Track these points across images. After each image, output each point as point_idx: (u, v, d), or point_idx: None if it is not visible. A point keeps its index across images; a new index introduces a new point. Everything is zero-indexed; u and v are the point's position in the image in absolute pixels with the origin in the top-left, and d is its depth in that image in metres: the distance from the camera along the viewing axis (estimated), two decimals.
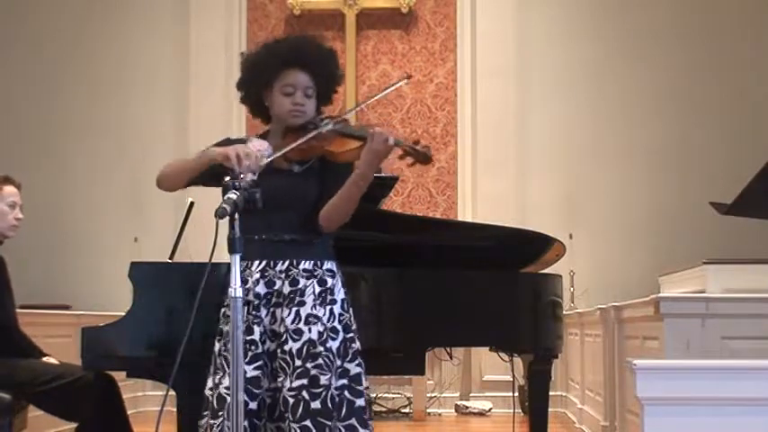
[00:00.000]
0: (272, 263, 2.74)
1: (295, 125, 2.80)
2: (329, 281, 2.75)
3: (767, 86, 8.16)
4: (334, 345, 2.68)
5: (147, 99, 8.55)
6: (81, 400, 3.80)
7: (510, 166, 8.21)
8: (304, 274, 2.73)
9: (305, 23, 8.37)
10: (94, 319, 5.87)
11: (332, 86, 2.91)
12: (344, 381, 2.70)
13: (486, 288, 3.97)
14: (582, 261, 7.72)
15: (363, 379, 2.74)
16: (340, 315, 2.73)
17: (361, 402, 2.71)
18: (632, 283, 7.22)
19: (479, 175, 8.24)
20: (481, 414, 7.71)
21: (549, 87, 8.37)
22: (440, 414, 7.80)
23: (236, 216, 2.40)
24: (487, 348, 4.70)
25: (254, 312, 2.71)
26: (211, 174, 2.68)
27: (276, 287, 2.72)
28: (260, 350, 2.69)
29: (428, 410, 7.63)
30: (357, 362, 2.74)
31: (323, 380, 2.64)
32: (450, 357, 4.94)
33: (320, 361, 2.65)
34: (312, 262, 2.75)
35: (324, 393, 2.63)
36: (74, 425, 3.94)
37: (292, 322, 2.68)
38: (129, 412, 4.12)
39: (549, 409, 4.39)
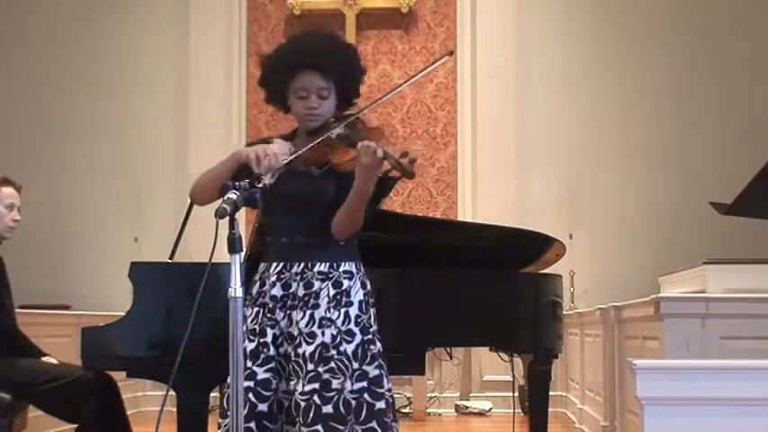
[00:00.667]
0: (288, 265, 2.73)
1: (312, 128, 2.75)
2: (345, 283, 2.72)
3: (767, 86, 8.16)
4: (349, 348, 2.65)
5: (147, 99, 8.55)
6: (81, 400, 3.80)
7: (510, 166, 8.21)
8: (319, 276, 2.71)
9: (305, 23, 8.36)
10: (94, 319, 5.87)
11: (351, 83, 2.82)
12: (363, 384, 2.66)
13: (486, 288, 3.97)
14: (582, 261, 7.73)
15: (385, 381, 2.70)
16: (357, 317, 2.70)
17: (381, 405, 2.67)
18: (632, 283, 7.21)
19: (479, 175, 8.24)
20: (481, 414, 7.72)
21: (549, 87, 8.37)
22: (440, 414, 7.80)
23: (236, 216, 2.40)
24: (487, 348, 4.70)
25: (268, 315, 2.71)
26: (247, 175, 2.61)
27: (292, 290, 2.71)
28: (272, 353, 2.68)
29: (428, 410, 7.63)
30: (376, 364, 2.70)
31: (335, 384, 2.62)
32: (450, 357, 4.94)
33: (332, 365, 2.63)
34: (328, 264, 2.72)
35: (336, 397, 2.61)
36: (74, 425, 3.93)
37: (306, 325, 2.67)
38: (129, 412, 4.12)
39: (549, 409, 4.40)
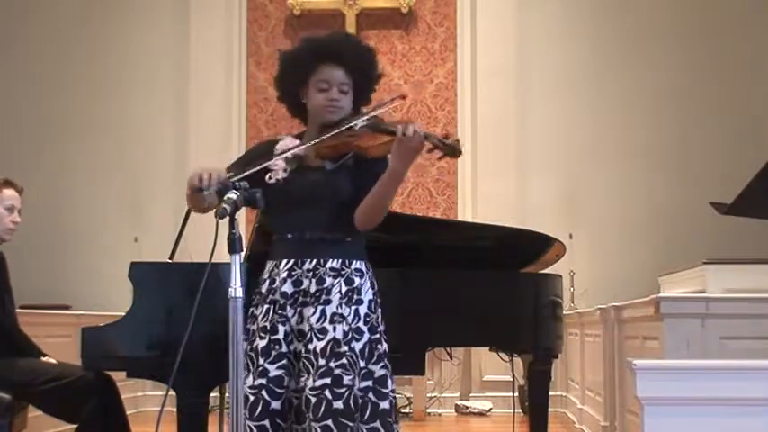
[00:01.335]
0: (299, 261, 2.72)
1: (330, 122, 2.74)
2: (357, 280, 2.71)
3: (767, 86, 8.16)
4: (357, 346, 2.65)
5: (147, 99, 8.55)
6: (81, 400, 3.80)
7: (510, 166, 8.21)
8: (331, 272, 2.70)
9: (305, 23, 8.37)
10: (94, 319, 5.87)
11: (369, 84, 2.85)
12: (369, 383, 2.66)
13: (486, 288, 3.96)
14: (582, 261, 7.73)
15: (389, 381, 2.71)
16: (366, 316, 2.70)
17: (385, 405, 2.67)
18: (632, 283, 7.21)
19: (479, 175, 8.24)
20: (481, 414, 7.71)
21: (549, 87, 8.37)
22: (440, 414, 7.80)
23: (236, 216, 2.40)
24: (487, 348, 4.70)
25: (279, 311, 2.70)
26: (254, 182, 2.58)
27: (303, 286, 2.70)
28: (284, 349, 2.67)
29: (428, 410, 7.63)
30: (382, 364, 2.70)
31: (346, 380, 2.61)
32: (450, 357, 4.93)
33: (344, 360, 2.62)
34: (340, 261, 2.72)
35: (347, 393, 2.60)
36: (74, 425, 3.93)
37: (317, 321, 2.66)
38: (128, 412, 4.12)
39: (549, 409, 4.39)
